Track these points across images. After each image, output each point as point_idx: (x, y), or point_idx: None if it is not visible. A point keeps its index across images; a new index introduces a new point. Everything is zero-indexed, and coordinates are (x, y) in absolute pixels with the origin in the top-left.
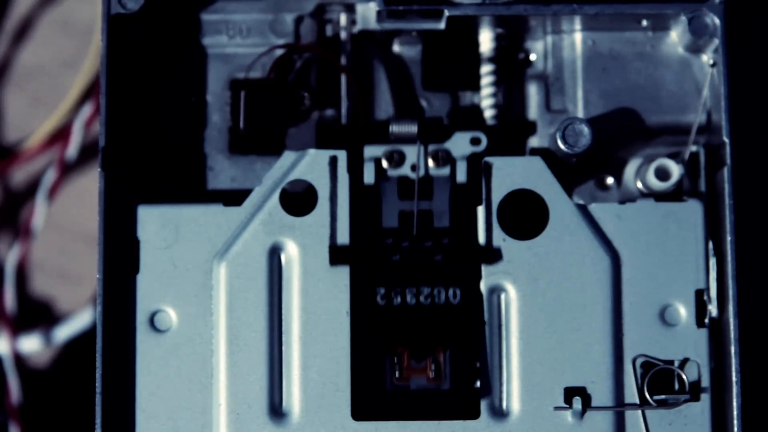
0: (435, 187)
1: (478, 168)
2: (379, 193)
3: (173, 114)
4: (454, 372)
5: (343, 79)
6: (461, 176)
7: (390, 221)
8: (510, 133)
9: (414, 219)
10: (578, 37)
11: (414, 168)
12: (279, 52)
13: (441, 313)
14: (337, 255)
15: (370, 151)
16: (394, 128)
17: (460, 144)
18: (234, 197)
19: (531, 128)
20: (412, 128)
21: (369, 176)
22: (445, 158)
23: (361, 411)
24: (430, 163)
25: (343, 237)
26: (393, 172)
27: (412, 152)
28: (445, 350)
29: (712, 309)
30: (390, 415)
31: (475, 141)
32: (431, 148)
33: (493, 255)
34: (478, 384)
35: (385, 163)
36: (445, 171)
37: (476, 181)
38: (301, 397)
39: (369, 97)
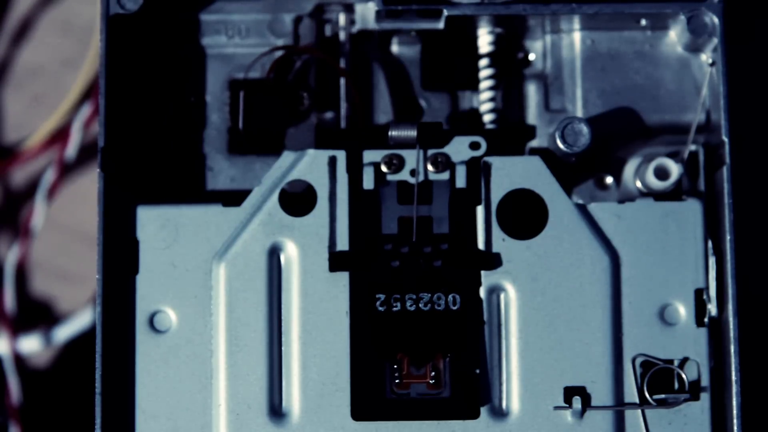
0: (434, 192)
1: (478, 173)
2: (379, 198)
3: (172, 114)
4: (454, 379)
5: (342, 81)
6: (461, 181)
7: (389, 227)
8: (509, 136)
9: (413, 225)
10: (577, 36)
11: (413, 173)
12: (278, 53)
13: (441, 320)
14: (336, 261)
15: (370, 156)
16: (393, 132)
17: (459, 148)
18: (233, 197)
19: (530, 132)
20: (411, 132)
21: (368, 181)
22: (444, 163)
23: (361, 411)
24: (430, 167)
25: (343, 243)
26: (392, 177)
27: (411, 157)
28: (444, 357)
29: (712, 308)
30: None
31: (474, 145)
32: (430, 152)
33: (492, 261)
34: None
35: (384, 168)
36: (445, 176)
37: (476, 186)
38: (301, 398)
39: (368, 98)
